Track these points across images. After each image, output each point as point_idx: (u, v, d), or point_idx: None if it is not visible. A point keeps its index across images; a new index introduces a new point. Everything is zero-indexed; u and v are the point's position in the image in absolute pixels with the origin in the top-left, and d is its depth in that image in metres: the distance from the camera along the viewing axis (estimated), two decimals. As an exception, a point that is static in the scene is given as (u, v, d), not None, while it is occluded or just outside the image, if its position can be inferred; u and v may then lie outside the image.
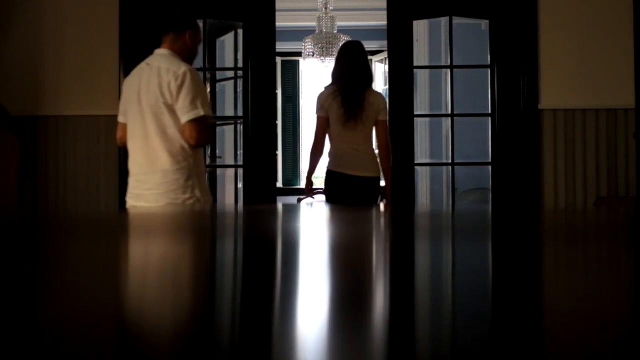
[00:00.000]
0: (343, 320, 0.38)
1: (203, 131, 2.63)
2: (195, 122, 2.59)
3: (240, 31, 4.61)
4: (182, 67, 2.62)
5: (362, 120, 3.51)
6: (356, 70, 3.59)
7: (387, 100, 4.02)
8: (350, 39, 6.34)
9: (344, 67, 3.60)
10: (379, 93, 3.83)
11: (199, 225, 1.29)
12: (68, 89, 4.31)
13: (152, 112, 2.63)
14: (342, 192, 3.54)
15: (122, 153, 4.29)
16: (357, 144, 3.55)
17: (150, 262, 0.68)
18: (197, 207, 2.56)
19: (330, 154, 3.61)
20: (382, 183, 3.74)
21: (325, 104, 3.56)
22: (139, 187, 2.71)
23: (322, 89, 3.70)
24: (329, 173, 3.60)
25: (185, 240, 0.94)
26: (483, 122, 4.59)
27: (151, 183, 2.67)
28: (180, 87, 2.59)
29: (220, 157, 5.25)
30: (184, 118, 2.59)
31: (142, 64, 2.75)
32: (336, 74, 3.64)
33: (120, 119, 2.83)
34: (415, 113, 4.50)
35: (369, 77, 3.65)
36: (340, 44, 6.42)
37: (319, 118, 3.60)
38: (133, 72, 2.79)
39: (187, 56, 2.76)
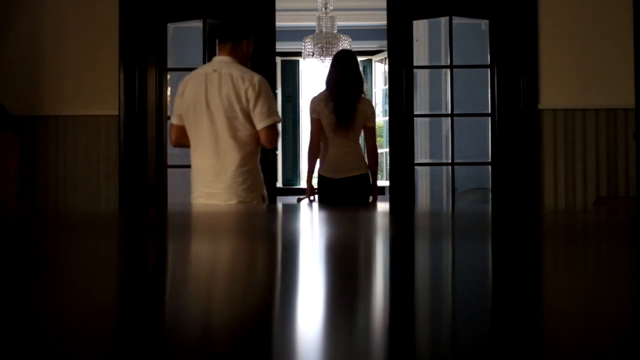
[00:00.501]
0: (343, 320, 0.38)
1: (277, 135, 2.92)
2: (272, 127, 2.85)
3: (240, 31, 4.61)
4: (256, 76, 2.86)
5: (353, 128, 3.77)
6: (347, 78, 3.79)
7: (387, 100, 4.13)
8: (346, 43, 6.42)
9: (336, 74, 3.81)
10: (368, 100, 4.03)
11: (206, 225, 1.29)
12: (68, 89, 4.31)
13: (225, 117, 2.82)
14: (335, 195, 3.78)
15: (122, 153, 4.30)
16: (346, 147, 3.79)
17: (153, 260, 0.68)
18: (262, 204, 2.90)
19: (322, 160, 3.84)
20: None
21: (317, 108, 3.79)
22: (210, 186, 2.89)
23: (316, 94, 3.90)
24: (322, 178, 3.85)
25: (189, 239, 0.94)
26: (483, 122, 4.59)
27: (223, 182, 2.87)
28: (258, 96, 2.81)
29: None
30: (262, 124, 2.83)
31: (207, 70, 2.89)
32: (329, 81, 3.85)
33: (175, 121, 2.98)
34: (415, 113, 4.50)
35: (359, 84, 3.85)
36: (340, 44, 6.46)
37: (313, 120, 3.81)
38: (194, 77, 2.93)
39: (243, 62, 2.96)
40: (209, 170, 2.88)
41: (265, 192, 3.00)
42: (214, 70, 2.86)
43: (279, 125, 2.94)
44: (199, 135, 2.88)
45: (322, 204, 3.81)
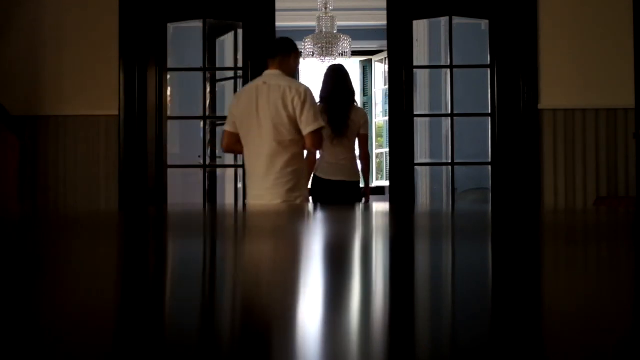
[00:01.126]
0: (343, 319, 0.38)
1: (321, 139, 3.21)
2: (317, 132, 3.11)
3: (240, 31, 4.61)
4: (303, 86, 3.17)
5: (347, 136, 4.06)
6: (339, 91, 4.09)
7: (387, 100, 4.23)
8: (346, 43, 6.46)
9: (328, 89, 4.12)
10: (361, 109, 4.33)
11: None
12: (68, 89, 4.31)
13: (272, 123, 3.09)
14: (327, 195, 4.09)
15: (122, 153, 4.30)
16: (342, 154, 4.10)
17: (151, 260, 0.68)
18: (304, 204, 3.14)
19: (318, 164, 4.12)
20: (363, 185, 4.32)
21: None
22: (259, 187, 3.15)
23: None
24: (316, 178, 4.13)
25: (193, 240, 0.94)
26: (483, 122, 4.59)
27: (270, 183, 3.13)
28: (304, 104, 3.08)
29: (220, 157, 5.26)
30: (308, 129, 3.09)
31: (258, 83, 3.19)
32: (322, 95, 4.13)
33: (228, 128, 3.25)
34: (415, 113, 4.50)
35: (351, 95, 4.15)
36: (340, 44, 6.46)
37: None
38: (247, 89, 3.26)
39: (291, 74, 3.27)
40: (257, 173, 3.16)
41: (308, 192, 3.28)
42: (264, 83, 3.15)
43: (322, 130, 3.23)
44: (249, 141, 3.16)
45: (315, 202, 4.10)
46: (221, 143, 3.36)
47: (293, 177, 3.12)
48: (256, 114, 3.10)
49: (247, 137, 3.16)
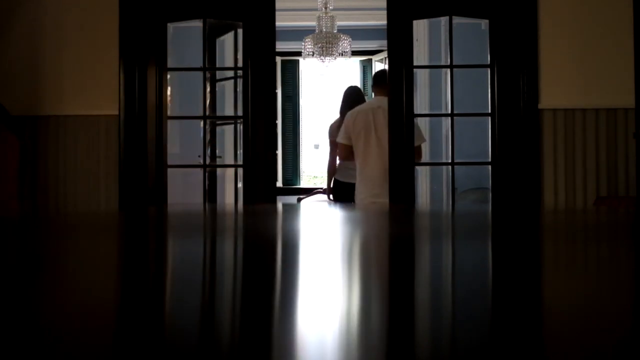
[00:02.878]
0: (344, 319, 0.38)
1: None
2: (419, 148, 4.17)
3: (240, 31, 4.61)
4: None
5: None
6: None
7: (387, 100, 4.34)
8: (346, 43, 6.51)
9: (348, 106, 4.74)
10: None
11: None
12: (68, 89, 4.31)
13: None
14: (345, 195, 4.73)
15: (122, 153, 4.29)
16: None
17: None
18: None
19: (338, 170, 4.86)
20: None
21: (335, 133, 4.81)
22: (378, 188, 3.99)
23: (332, 121, 5.09)
24: (336, 182, 4.82)
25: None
26: (483, 122, 4.59)
27: (387, 186, 3.99)
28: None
29: (220, 157, 5.25)
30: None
31: (373, 106, 4.18)
32: (342, 110, 4.86)
33: (345, 141, 4.15)
34: (415, 113, 4.50)
35: None
36: (340, 43, 6.47)
37: (332, 142, 4.92)
38: (363, 110, 4.19)
39: None
40: (379, 179, 3.96)
41: None
42: (379, 107, 4.07)
43: None
44: (370, 153, 3.97)
45: (335, 201, 4.82)
46: (339, 154, 4.27)
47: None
48: (374, 131, 3.97)
49: (368, 149, 3.98)
